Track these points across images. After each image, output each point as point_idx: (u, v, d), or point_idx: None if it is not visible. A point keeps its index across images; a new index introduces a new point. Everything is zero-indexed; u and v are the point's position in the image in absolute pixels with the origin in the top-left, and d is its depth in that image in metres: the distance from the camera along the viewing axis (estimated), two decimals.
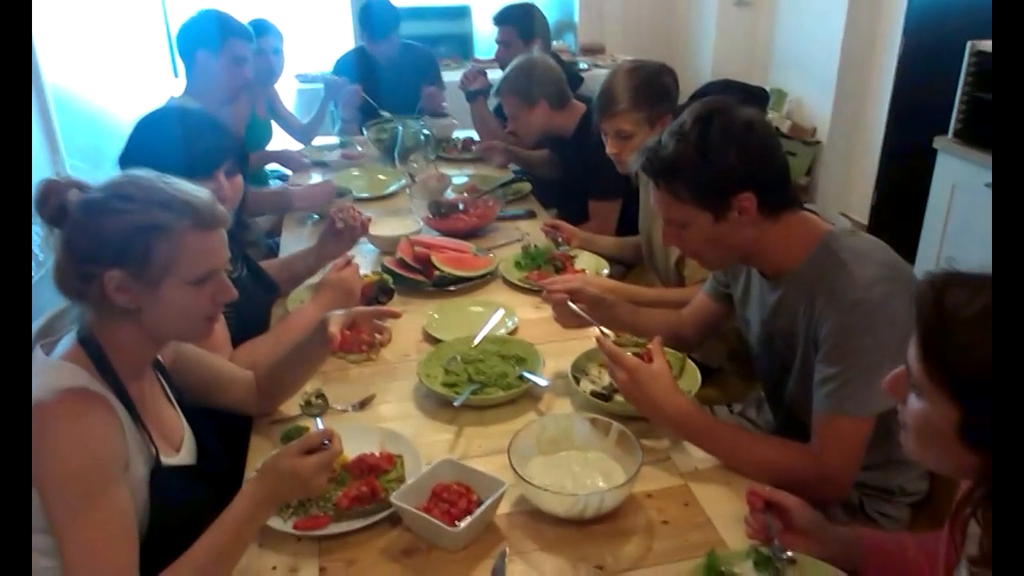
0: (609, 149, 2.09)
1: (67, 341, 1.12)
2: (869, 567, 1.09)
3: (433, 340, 1.74)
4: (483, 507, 1.15)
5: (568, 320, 1.61)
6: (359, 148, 3.22)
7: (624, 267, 2.48)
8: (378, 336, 1.40)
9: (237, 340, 1.60)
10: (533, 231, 2.38)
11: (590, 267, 2.15)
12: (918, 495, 1.45)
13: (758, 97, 2.51)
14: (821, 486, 1.25)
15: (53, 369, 1.06)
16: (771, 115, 4.56)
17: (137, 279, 1.08)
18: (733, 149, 1.26)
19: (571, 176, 2.73)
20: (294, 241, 2.36)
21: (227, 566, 1.07)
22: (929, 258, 3.19)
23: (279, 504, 1.14)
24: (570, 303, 1.59)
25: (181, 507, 1.08)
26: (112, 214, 1.07)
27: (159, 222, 1.08)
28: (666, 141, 1.31)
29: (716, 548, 1.08)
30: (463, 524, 1.12)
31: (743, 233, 1.33)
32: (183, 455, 1.22)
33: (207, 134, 1.65)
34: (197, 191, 1.14)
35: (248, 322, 1.64)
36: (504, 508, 1.22)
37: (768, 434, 1.55)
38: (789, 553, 1.04)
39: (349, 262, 1.81)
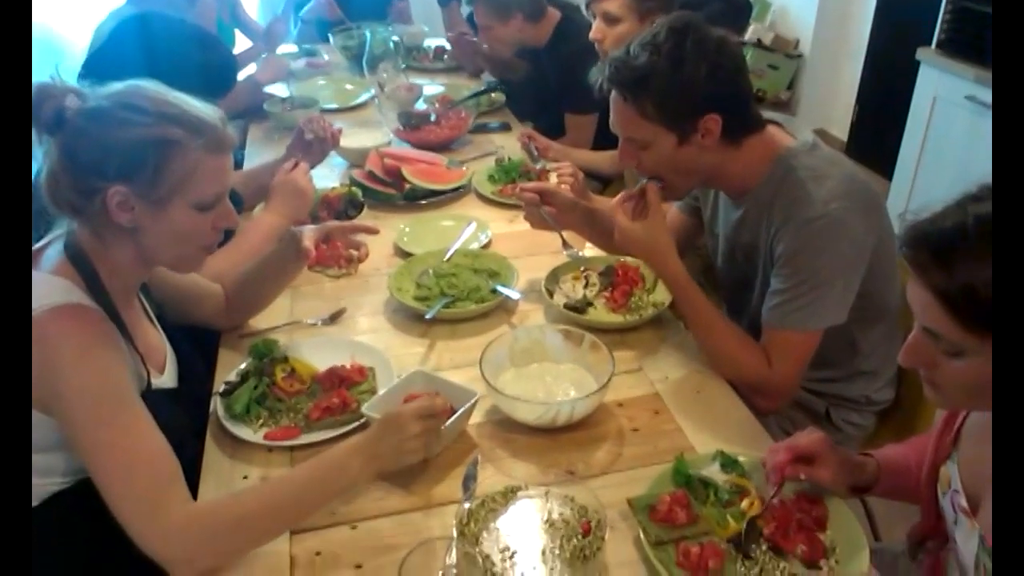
0: (593, 33, 2.03)
1: (54, 254, 1.06)
2: (882, 483, 1.10)
3: (404, 254, 1.71)
4: (455, 416, 1.15)
5: (537, 222, 1.59)
6: (325, 56, 3.07)
7: (601, 183, 2.43)
8: (354, 252, 1.37)
9: None
10: (508, 144, 2.31)
11: None
12: (884, 404, 1.48)
13: (741, 8, 2.41)
14: (762, 390, 1.30)
15: (45, 283, 1.01)
16: (754, 26, 4.43)
17: (143, 197, 1.02)
18: (705, 65, 1.22)
19: (545, 87, 2.64)
20: (259, 154, 2.28)
21: (307, 507, 1.01)
22: (908, 170, 3.19)
23: (377, 462, 1.03)
24: (543, 207, 1.55)
25: (166, 432, 1.03)
26: (123, 125, 1.00)
27: (173, 137, 1.02)
28: (636, 52, 1.26)
29: (685, 453, 1.10)
30: None
31: (704, 158, 1.30)
32: (167, 377, 1.20)
33: (220, 57, 1.62)
34: (208, 109, 1.07)
35: None
36: (476, 418, 1.22)
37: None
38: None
39: (296, 164, 1.73)
